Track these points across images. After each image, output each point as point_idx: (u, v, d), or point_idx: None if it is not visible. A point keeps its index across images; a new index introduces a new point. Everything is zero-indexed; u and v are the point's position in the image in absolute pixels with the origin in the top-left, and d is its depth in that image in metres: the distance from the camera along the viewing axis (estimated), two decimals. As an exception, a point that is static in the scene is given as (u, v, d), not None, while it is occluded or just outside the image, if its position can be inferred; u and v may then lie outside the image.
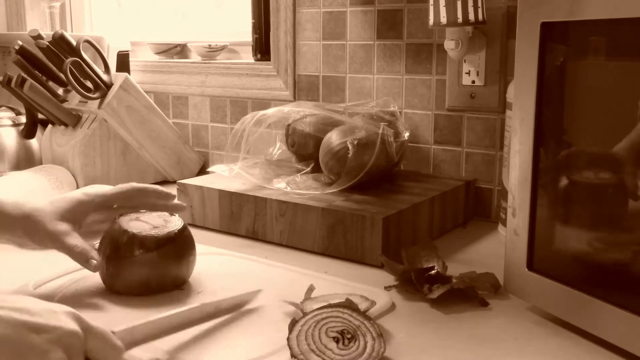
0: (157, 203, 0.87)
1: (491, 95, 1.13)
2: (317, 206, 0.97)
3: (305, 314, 0.67)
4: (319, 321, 0.66)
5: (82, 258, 0.78)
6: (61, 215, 0.80)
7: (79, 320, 0.57)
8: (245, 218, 1.05)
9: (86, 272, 0.86)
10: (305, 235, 0.99)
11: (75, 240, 0.79)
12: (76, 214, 0.81)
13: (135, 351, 0.65)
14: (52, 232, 0.78)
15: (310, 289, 0.77)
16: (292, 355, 0.63)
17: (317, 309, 0.67)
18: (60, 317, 0.56)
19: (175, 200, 0.89)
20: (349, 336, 0.64)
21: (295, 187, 1.06)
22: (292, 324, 0.65)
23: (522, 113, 0.73)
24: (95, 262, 0.78)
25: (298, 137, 1.17)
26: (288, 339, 0.64)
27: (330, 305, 0.67)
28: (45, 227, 0.78)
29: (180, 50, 1.65)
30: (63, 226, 0.79)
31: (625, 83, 0.65)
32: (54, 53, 1.33)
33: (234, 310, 0.76)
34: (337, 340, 0.64)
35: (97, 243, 0.82)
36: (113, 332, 0.61)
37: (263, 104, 1.40)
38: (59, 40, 1.31)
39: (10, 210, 0.79)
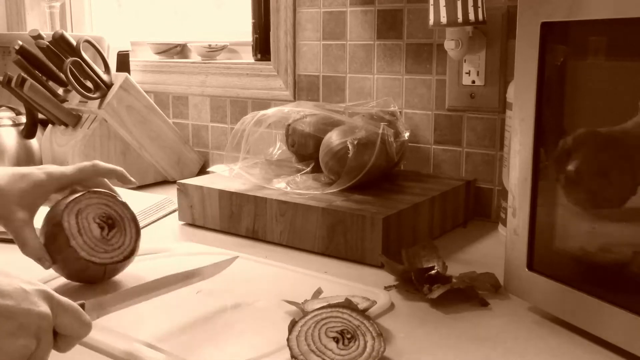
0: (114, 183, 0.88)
1: (491, 95, 1.13)
2: (317, 206, 0.97)
3: (305, 315, 0.67)
4: (318, 321, 0.66)
5: (35, 255, 0.79)
6: (21, 198, 0.79)
7: (49, 299, 0.57)
8: (246, 218, 1.05)
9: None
10: (305, 235, 0.99)
11: (30, 234, 0.79)
12: (36, 197, 0.81)
13: (135, 346, 0.66)
14: (10, 219, 0.78)
15: (319, 291, 0.77)
16: (292, 356, 0.63)
17: (317, 309, 0.67)
18: (32, 298, 0.55)
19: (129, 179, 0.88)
20: (348, 336, 0.64)
21: (295, 187, 1.06)
22: (292, 325, 0.65)
23: (522, 113, 0.73)
24: (48, 262, 0.79)
25: (298, 137, 1.17)
26: (288, 339, 0.64)
27: (329, 306, 0.67)
28: (4, 210, 0.78)
29: (181, 50, 1.65)
30: (21, 214, 0.79)
31: (626, 83, 0.65)
32: (54, 53, 1.33)
33: (208, 277, 0.78)
34: (337, 341, 0.64)
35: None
36: (84, 303, 0.62)
37: (263, 104, 1.40)
38: (59, 40, 1.31)
39: None
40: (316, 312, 0.66)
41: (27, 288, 0.56)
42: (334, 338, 0.64)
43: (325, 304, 0.69)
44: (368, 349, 0.64)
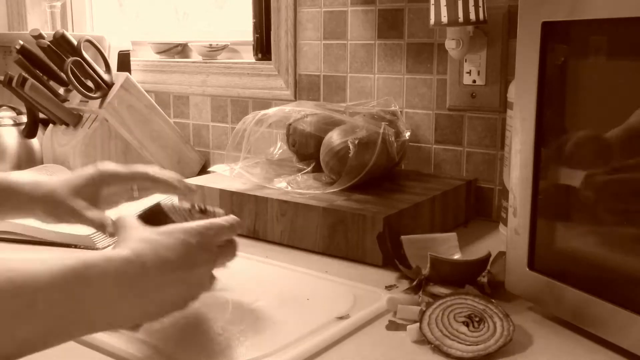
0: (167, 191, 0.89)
1: (492, 95, 1.13)
2: (318, 206, 0.97)
3: (430, 304, 0.70)
4: (445, 309, 0.69)
5: (98, 226, 0.80)
6: (77, 192, 0.82)
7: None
8: (246, 218, 1.05)
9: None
10: (306, 235, 0.99)
11: (93, 212, 0.81)
12: (90, 191, 0.83)
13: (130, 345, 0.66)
14: (72, 208, 0.80)
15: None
16: (428, 342, 0.67)
17: (442, 297, 0.71)
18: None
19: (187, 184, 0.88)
20: (477, 319, 0.68)
21: (296, 186, 1.06)
22: (421, 314, 0.69)
23: (523, 112, 0.73)
24: (110, 225, 0.79)
25: (299, 136, 1.17)
26: (420, 327, 0.68)
27: (453, 293, 0.71)
28: (65, 204, 0.80)
29: (181, 50, 1.65)
30: (80, 203, 0.81)
31: (626, 82, 0.65)
32: (55, 52, 1.33)
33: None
34: (467, 324, 0.68)
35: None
36: None
37: (264, 103, 1.40)
38: (60, 40, 1.31)
39: (29, 191, 0.81)
40: (441, 301, 0.70)
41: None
42: (463, 322, 0.68)
43: None
44: (499, 329, 0.67)
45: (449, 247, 0.91)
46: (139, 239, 0.64)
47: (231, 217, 0.73)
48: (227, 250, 0.73)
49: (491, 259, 0.83)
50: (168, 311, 0.65)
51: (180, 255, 0.64)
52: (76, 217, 0.81)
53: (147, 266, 0.61)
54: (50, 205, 0.81)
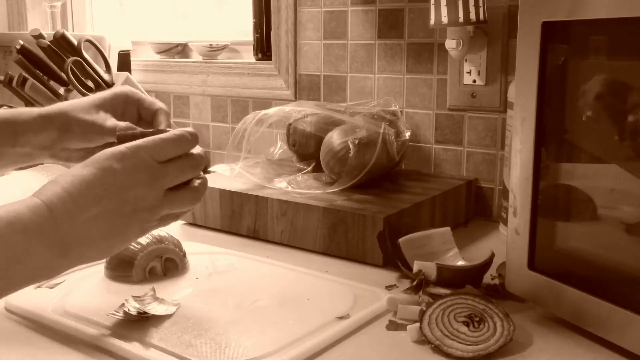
0: None
1: (492, 95, 1.13)
2: (318, 205, 0.97)
3: (431, 304, 0.70)
4: (445, 309, 0.69)
5: (127, 128, 0.70)
6: (98, 105, 0.73)
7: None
8: (246, 217, 1.05)
9: (87, 272, 0.86)
10: (306, 235, 0.99)
11: (114, 121, 0.71)
12: (116, 106, 0.74)
13: (131, 346, 0.66)
14: (90, 121, 0.72)
15: None
16: (428, 342, 0.67)
17: (442, 297, 0.71)
18: None
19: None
20: (477, 319, 0.68)
21: (296, 186, 1.06)
22: (421, 314, 0.69)
23: (523, 112, 0.73)
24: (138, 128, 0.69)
25: (299, 136, 1.17)
26: (421, 327, 0.68)
27: (453, 293, 0.71)
28: (83, 117, 0.72)
29: (182, 50, 1.65)
30: (101, 114, 0.72)
31: (627, 82, 0.65)
32: (55, 52, 1.33)
33: None
34: (467, 324, 0.68)
35: None
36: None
37: (264, 103, 1.40)
38: (60, 40, 1.31)
39: (42, 110, 0.73)
40: (441, 301, 0.70)
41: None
42: (464, 322, 0.68)
43: None
44: (499, 329, 0.67)
45: (445, 241, 0.91)
46: (60, 177, 0.58)
47: (178, 130, 0.63)
48: (187, 165, 0.64)
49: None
50: (112, 245, 0.59)
51: (102, 185, 0.57)
52: (96, 130, 0.71)
53: (55, 211, 0.55)
54: (68, 121, 0.72)
